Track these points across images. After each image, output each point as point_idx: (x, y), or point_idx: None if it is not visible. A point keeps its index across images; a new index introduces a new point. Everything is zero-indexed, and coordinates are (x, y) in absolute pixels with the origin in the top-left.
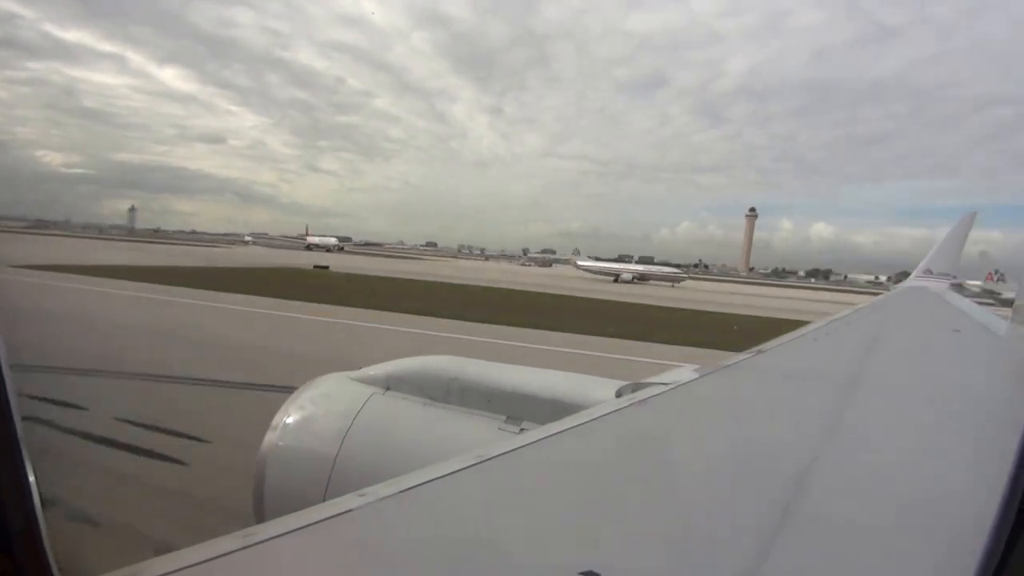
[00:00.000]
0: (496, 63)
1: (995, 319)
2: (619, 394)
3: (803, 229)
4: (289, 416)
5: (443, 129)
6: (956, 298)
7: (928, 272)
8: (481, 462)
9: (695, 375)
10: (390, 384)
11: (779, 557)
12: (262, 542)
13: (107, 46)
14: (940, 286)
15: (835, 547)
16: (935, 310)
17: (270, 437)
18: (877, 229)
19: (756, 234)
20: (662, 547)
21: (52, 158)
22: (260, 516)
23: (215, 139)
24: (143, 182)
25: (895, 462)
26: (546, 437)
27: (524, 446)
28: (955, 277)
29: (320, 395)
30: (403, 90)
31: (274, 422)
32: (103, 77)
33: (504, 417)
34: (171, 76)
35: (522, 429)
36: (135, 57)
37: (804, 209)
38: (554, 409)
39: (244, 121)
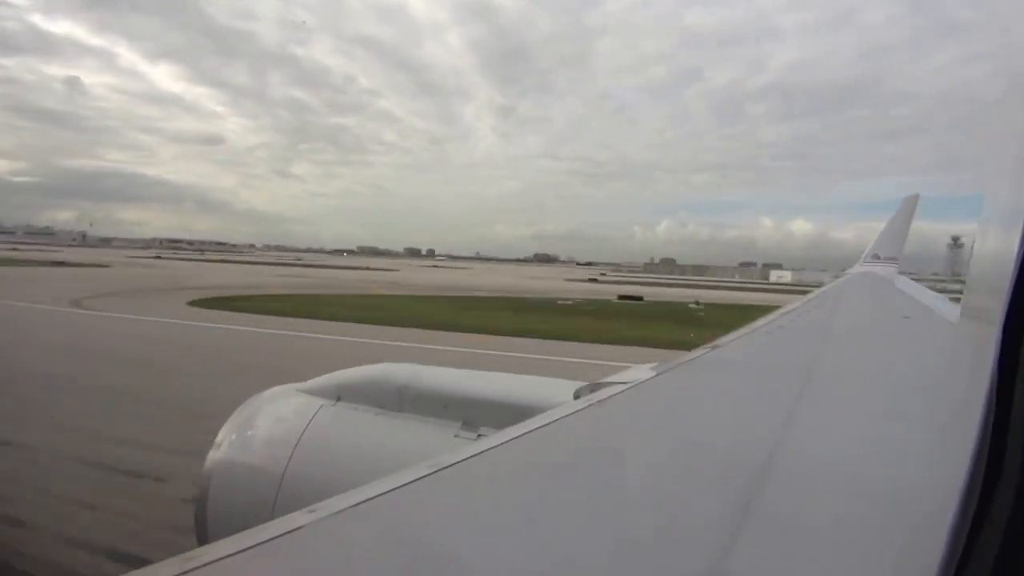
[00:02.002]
0: (529, 59)
1: (942, 303)
2: (577, 395)
3: (783, 225)
4: (233, 432)
5: (443, 130)
6: (905, 282)
7: (876, 257)
8: (437, 471)
9: (652, 373)
10: (341, 394)
11: (743, 553)
12: (204, 565)
13: (98, 40)
14: (888, 271)
15: (798, 541)
16: (885, 296)
17: (213, 454)
18: (860, 224)
19: (743, 232)
20: (626, 549)
21: None
22: (203, 538)
23: (191, 141)
24: (91, 190)
25: (854, 453)
26: (504, 443)
27: (481, 452)
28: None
29: (266, 409)
30: (417, 90)
31: (218, 439)
32: (82, 75)
33: (460, 423)
34: (162, 74)
35: (479, 435)
36: (127, 53)
37: (792, 207)
38: (511, 413)
39: (226, 123)
